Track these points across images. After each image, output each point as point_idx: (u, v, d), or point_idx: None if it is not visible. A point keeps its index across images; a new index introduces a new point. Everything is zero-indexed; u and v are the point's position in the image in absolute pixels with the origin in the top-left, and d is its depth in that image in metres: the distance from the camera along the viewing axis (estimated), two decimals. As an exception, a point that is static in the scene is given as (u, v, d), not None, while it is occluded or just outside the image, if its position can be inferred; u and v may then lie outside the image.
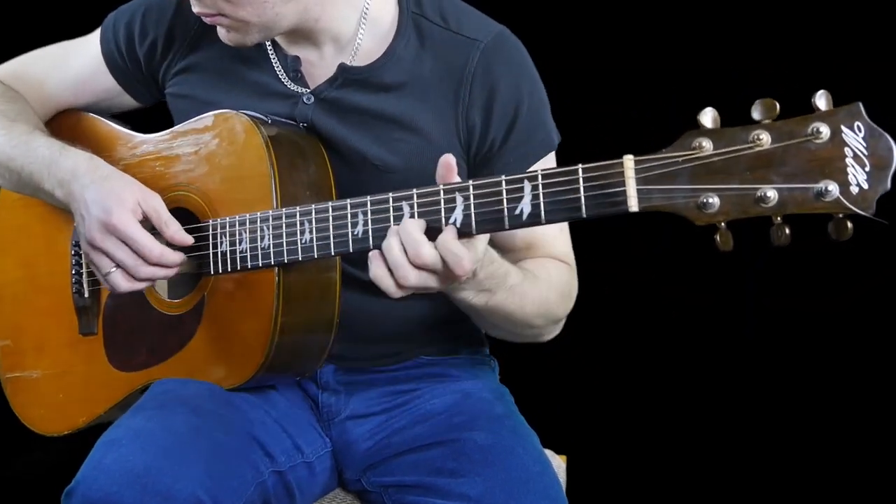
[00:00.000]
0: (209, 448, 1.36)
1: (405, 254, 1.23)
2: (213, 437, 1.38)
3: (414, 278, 1.24)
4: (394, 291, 1.26)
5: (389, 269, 1.25)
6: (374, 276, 1.26)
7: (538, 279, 1.43)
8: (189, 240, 1.46)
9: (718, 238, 1.13)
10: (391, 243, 1.24)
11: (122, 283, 1.46)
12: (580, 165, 1.17)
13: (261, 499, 1.42)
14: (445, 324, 1.60)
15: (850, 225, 1.08)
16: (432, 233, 1.24)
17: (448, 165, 1.24)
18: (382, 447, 1.53)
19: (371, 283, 1.52)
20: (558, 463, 1.66)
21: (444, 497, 1.40)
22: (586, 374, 2.43)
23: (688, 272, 2.23)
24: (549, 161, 1.52)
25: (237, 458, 1.40)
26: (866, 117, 1.07)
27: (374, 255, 1.26)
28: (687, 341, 2.39)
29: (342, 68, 1.50)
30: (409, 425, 1.53)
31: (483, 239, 1.25)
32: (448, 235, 1.22)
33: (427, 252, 1.22)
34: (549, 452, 1.59)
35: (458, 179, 1.24)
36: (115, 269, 1.45)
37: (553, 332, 1.53)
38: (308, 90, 1.51)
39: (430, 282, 1.25)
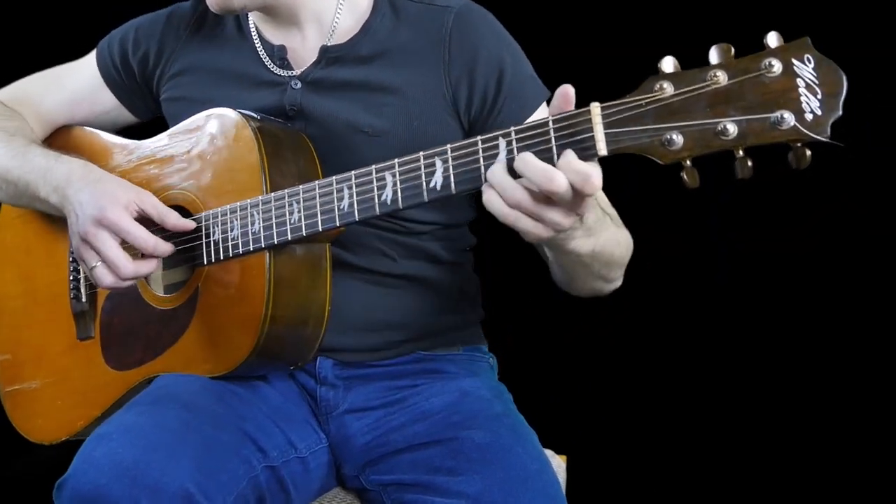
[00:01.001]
0: (199, 442, 1.38)
1: (531, 191, 1.20)
2: (204, 432, 1.40)
3: (539, 211, 1.21)
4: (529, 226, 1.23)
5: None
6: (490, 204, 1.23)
7: (614, 219, 1.46)
8: (191, 224, 1.51)
9: (685, 175, 1.18)
10: (505, 183, 1.21)
11: (107, 278, 1.50)
12: (550, 117, 1.23)
13: (254, 493, 1.43)
14: (441, 314, 1.63)
15: (808, 153, 1.14)
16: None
17: (565, 95, 1.23)
18: (380, 443, 1.54)
19: (366, 269, 1.57)
20: (558, 463, 1.67)
21: (443, 495, 1.40)
22: (586, 373, 2.42)
23: (664, 248, 2.28)
24: (543, 111, 1.55)
25: (228, 453, 1.41)
26: (814, 49, 1.13)
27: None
28: (683, 329, 2.41)
29: (323, 49, 1.58)
30: (407, 423, 1.54)
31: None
32: (570, 157, 1.19)
33: (560, 179, 1.17)
34: (549, 452, 1.60)
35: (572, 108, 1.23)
36: (99, 262, 1.50)
37: (622, 275, 1.52)
38: (295, 76, 1.59)
39: (556, 215, 1.21)
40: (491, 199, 1.24)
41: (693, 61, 1.20)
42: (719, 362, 2.40)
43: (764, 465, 2.39)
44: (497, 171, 1.24)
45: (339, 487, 1.61)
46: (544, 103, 1.57)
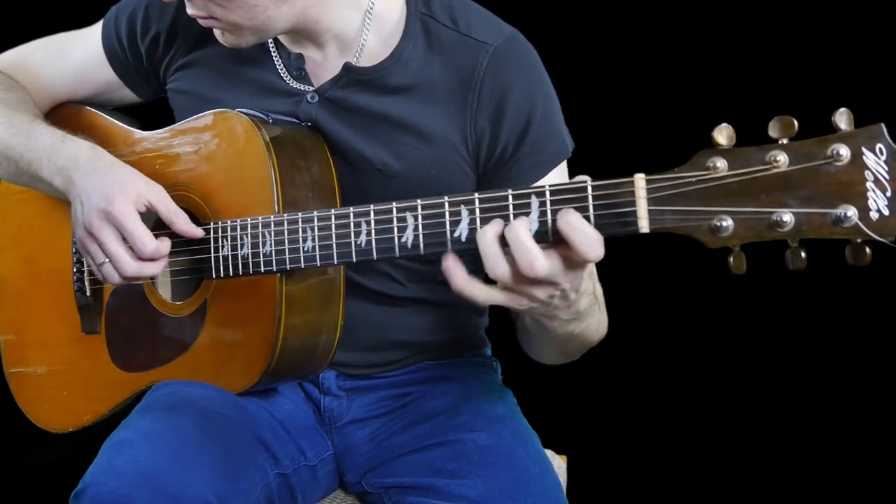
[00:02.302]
0: (218, 450, 1.35)
1: (515, 265, 1.12)
2: (222, 439, 1.37)
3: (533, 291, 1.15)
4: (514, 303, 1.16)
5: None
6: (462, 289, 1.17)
7: (599, 301, 1.37)
8: (199, 232, 1.43)
9: (732, 261, 1.09)
10: (495, 259, 1.13)
11: (115, 277, 1.43)
12: (589, 182, 1.13)
13: (266, 501, 1.41)
14: (448, 329, 1.58)
15: (868, 251, 1.05)
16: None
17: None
18: (383, 450, 1.52)
19: (374, 291, 1.51)
20: (559, 463, 1.65)
21: (445, 498, 1.39)
22: (587, 374, 2.40)
23: (684, 267, 2.21)
24: (562, 169, 1.46)
25: (244, 460, 1.39)
26: (889, 139, 1.02)
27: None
28: (686, 338, 2.37)
29: (347, 68, 1.45)
30: (409, 426, 1.52)
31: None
32: (571, 216, 1.10)
33: (541, 265, 1.11)
34: (549, 452, 1.58)
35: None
36: (107, 260, 1.42)
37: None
38: (312, 89, 1.47)
39: (536, 291, 1.15)
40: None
41: (751, 122, 1.09)
42: (719, 362, 2.36)
43: (764, 465, 2.39)
44: (488, 235, 1.14)
45: (340, 489, 1.60)
46: (564, 162, 1.46)
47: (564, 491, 1.56)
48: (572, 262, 1.13)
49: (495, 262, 1.14)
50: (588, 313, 1.28)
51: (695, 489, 2.40)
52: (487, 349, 1.68)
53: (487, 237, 1.14)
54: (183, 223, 1.43)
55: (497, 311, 1.66)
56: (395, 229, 1.26)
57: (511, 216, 1.17)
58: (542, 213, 1.15)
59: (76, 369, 1.62)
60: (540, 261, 1.11)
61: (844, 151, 1.03)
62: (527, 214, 1.16)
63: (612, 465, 2.38)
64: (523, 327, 1.42)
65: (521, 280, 1.14)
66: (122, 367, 1.56)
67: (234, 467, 1.36)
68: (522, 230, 1.12)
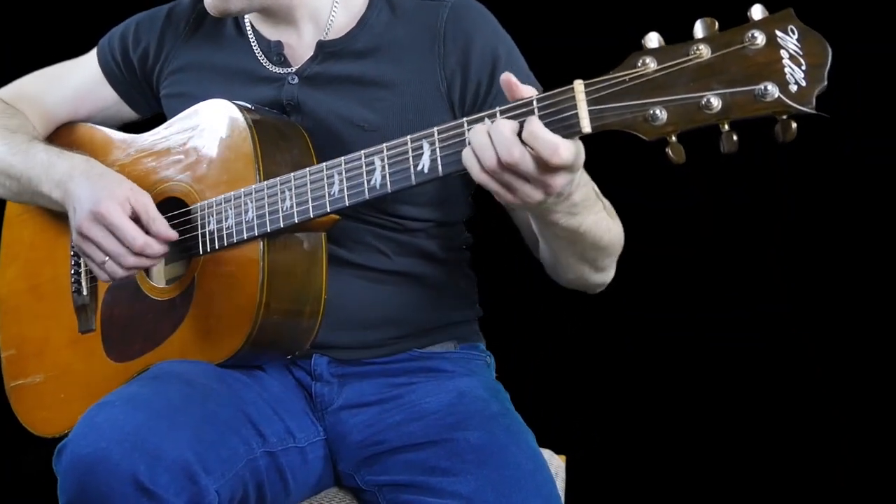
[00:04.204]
0: (200, 415, 1.38)
1: (496, 153, 1.22)
2: (205, 407, 1.40)
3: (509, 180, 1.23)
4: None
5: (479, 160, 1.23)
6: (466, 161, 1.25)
7: (607, 207, 1.44)
8: (173, 235, 1.52)
9: (670, 151, 1.17)
10: (482, 141, 1.22)
11: (118, 272, 1.52)
12: (534, 96, 1.23)
13: (253, 478, 1.43)
14: (437, 310, 1.62)
15: (794, 125, 1.13)
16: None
17: (509, 83, 1.26)
18: (376, 441, 1.53)
19: (360, 266, 1.57)
20: (558, 463, 1.65)
21: (437, 496, 1.41)
22: (586, 372, 2.41)
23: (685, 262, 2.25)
24: None
25: (228, 430, 1.41)
26: (798, 20, 1.12)
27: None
28: (686, 337, 2.38)
29: (320, 44, 1.59)
30: (403, 422, 1.53)
31: (579, 144, 1.23)
32: (533, 125, 1.20)
33: (517, 151, 1.20)
34: (548, 452, 1.59)
35: (527, 93, 1.25)
36: (108, 258, 1.51)
37: (613, 270, 1.51)
38: (292, 71, 1.60)
39: (525, 188, 1.23)
40: (467, 158, 1.25)
41: (680, 38, 1.19)
42: (719, 361, 2.37)
43: (763, 464, 2.36)
44: (478, 131, 1.24)
45: (336, 487, 1.60)
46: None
47: (563, 491, 1.56)
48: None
49: (489, 155, 1.22)
50: (587, 207, 1.34)
51: (694, 487, 2.35)
52: (482, 344, 1.70)
53: (478, 133, 1.24)
54: (158, 227, 1.52)
55: (491, 305, 1.72)
56: (364, 173, 1.36)
57: (468, 141, 1.26)
58: None
59: (73, 370, 1.67)
60: (565, 145, 1.19)
61: (759, 35, 1.13)
62: None
63: (612, 465, 2.34)
64: (540, 245, 1.48)
65: (508, 170, 1.22)
66: (116, 359, 1.61)
67: (216, 433, 1.38)
68: (504, 123, 1.22)
